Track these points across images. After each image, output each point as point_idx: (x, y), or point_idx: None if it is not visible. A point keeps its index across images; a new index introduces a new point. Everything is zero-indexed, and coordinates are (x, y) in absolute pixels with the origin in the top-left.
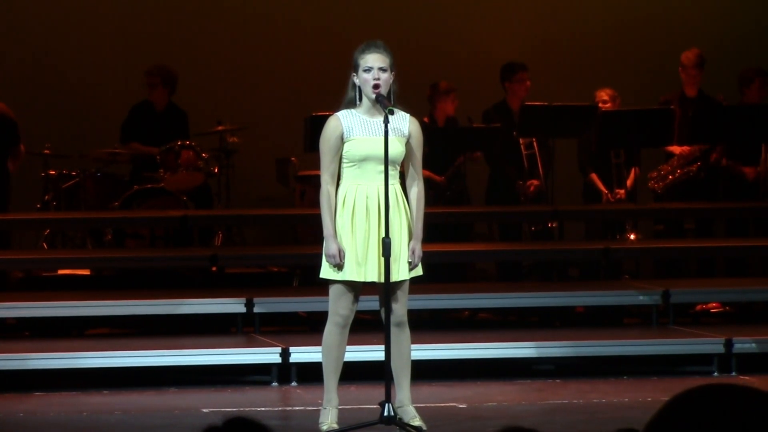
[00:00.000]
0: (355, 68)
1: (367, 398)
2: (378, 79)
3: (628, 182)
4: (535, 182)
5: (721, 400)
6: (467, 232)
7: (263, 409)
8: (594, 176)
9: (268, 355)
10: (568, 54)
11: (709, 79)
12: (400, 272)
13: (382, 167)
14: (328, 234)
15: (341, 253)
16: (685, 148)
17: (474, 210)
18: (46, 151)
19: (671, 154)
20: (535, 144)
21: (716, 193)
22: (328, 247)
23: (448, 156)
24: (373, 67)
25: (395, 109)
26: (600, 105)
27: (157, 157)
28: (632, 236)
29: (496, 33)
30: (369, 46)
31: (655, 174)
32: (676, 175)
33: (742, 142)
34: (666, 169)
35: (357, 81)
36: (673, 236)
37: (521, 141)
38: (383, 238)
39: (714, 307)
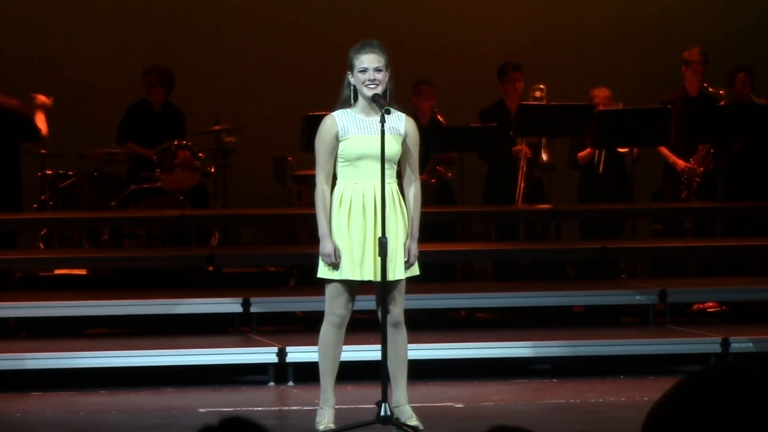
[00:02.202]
0: (350, 68)
1: (363, 398)
2: (374, 79)
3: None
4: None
5: (733, 382)
6: (456, 231)
7: (260, 408)
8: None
9: (264, 354)
10: (567, 53)
11: (708, 78)
12: (397, 272)
13: (379, 166)
14: (323, 233)
15: (336, 252)
16: (687, 165)
17: (471, 210)
18: (42, 151)
19: (671, 167)
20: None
21: (715, 192)
22: (324, 246)
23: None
24: (369, 68)
25: (392, 109)
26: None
27: (154, 156)
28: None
29: (495, 32)
30: (364, 46)
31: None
32: (699, 177)
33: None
34: (690, 175)
35: (352, 80)
36: (672, 235)
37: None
38: (380, 238)
39: (711, 306)
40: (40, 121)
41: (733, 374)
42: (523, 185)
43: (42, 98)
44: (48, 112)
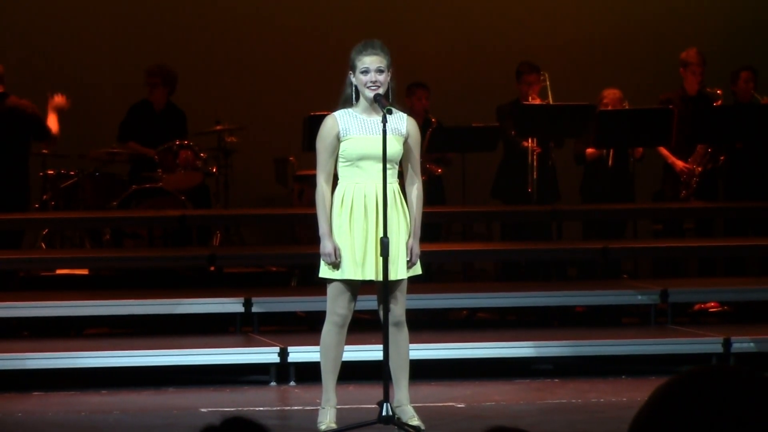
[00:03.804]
0: (352, 68)
1: (365, 398)
2: (375, 81)
3: None
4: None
5: (717, 386)
6: (442, 230)
7: (261, 408)
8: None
9: (266, 354)
10: (572, 54)
11: (709, 79)
12: (399, 271)
13: (380, 166)
14: (324, 233)
15: (337, 252)
16: (686, 165)
17: (473, 210)
18: (44, 151)
19: (670, 167)
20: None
21: (716, 192)
22: (324, 246)
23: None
24: (371, 69)
25: (393, 109)
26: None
27: (156, 156)
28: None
29: (499, 34)
30: (366, 47)
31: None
32: (697, 177)
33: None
34: (689, 175)
35: (354, 80)
36: (672, 236)
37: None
38: (381, 238)
39: (712, 306)
40: (52, 121)
41: (715, 379)
42: (536, 176)
43: (59, 99)
44: (62, 113)
